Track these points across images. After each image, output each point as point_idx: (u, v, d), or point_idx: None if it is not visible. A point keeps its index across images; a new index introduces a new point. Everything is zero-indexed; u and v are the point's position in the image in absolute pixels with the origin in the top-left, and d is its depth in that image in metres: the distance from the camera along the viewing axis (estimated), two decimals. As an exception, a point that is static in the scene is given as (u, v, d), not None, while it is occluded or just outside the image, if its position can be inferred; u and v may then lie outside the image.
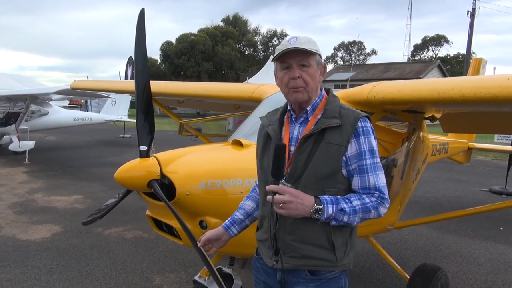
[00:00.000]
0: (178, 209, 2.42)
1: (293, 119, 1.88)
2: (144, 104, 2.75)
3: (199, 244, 2.07)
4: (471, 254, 5.27)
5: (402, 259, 4.78)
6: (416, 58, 58.58)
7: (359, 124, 1.74)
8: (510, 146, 8.71)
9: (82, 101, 35.31)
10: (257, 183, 2.11)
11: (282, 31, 51.31)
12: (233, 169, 2.78)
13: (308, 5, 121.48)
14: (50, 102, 13.72)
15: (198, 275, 3.36)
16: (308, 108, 1.83)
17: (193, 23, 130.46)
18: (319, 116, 1.79)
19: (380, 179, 1.75)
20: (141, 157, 2.63)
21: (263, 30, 52.78)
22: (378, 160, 1.78)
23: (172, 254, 4.98)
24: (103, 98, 16.39)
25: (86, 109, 30.85)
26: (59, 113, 14.38)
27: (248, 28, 50.79)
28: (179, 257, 4.88)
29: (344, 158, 1.73)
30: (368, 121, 1.78)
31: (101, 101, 21.92)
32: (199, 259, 4.95)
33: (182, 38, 43.12)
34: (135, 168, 2.58)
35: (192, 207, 2.61)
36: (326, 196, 1.69)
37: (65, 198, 7.57)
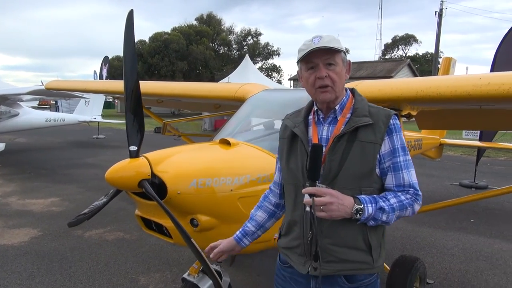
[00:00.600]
0: (169, 208, 2.46)
1: (321, 119, 1.84)
2: (133, 104, 2.77)
3: (211, 255, 2.06)
4: (445, 245, 5.51)
5: (381, 251, 4.95)
6: (387, 57, 59.97)
7: (391, 121, 1.73)
8: (478, 142, 9.10)
9: (52, 102, 34.33)
10: (271, 188, 2.10)
11: (256, 30, 51.43)
12: (223, 168, 2.84)
13: (280, 4, 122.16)
14: (20, 103, 13.30)
15: (187, 273, 3.39)
16: (336, 107, 1.79)
17: (167, 22, 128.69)
18: (348, 115, 1.77)
19: (413, 176, 1.75)
20: (131, 157, 2.64)
21: (237, 29, 52.63)
22: (409, 157, 1.78)
23: (156, 254, 4.98)
24: (76, 99, 16.02)
25: (56, 110, 30.02)
26: (30, 114, 13.95)
27: (222, 27, 50.61)
28: (163, 257, 4.88)
29: (378, 156, 1.71)
30: (398, 118, 1.77)
31: (73, 101, 21.40)
32: (183, 258, 4.98)
33: (156, 37, 42.55)
34: (125, 168, 2.59)
35: (183, 206, 2.64)
36: (364, 196, 1.67)
37: (41, 201, 7.39)
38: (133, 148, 2.65)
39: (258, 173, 2.90)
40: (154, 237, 5.24)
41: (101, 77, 23.33)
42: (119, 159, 2.64)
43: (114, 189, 2.79)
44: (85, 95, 13.79)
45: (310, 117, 1.88)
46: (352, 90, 1.88)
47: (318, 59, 1.72)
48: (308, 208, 1.66)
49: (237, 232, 2.09)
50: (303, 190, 1.64)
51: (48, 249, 5.08)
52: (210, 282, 3.29)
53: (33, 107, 17.94)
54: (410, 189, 1.73)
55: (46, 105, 31.84)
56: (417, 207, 1.75)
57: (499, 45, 8.01)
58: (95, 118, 17.18)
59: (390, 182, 1.74)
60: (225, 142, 3.10)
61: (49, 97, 16.37)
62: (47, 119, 14.77)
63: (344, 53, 1.79)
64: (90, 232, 5.71)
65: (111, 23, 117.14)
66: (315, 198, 1.59)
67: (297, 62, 1.82)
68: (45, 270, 4.47)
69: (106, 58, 24.53)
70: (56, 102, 32.42)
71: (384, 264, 3.96)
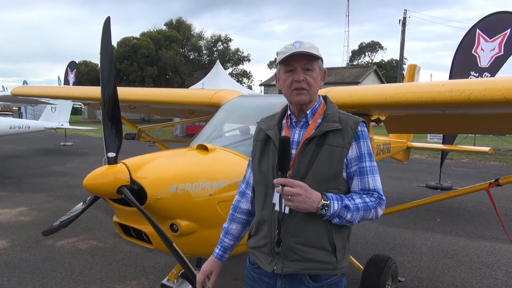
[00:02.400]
0: (149, 213, 2.48)
1: (293, 123, 1.92)
2: (111, 111, 2.78)
3: (210, 286, 2.06)
4: (414, 244, 5.75)
5: (354, 252, 5.10)
6: (354, 63, 61.52)
7: (359, 128, 1.82)
8: (442, 145, 9.51)
9: (14, 108, 33.08)
10: (243, 194, 2.11)
11: (226, 36, 51.50)
12: (201, 172, 2.89)
13: (250, 10, 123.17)
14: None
15: (166, 279, 3.40)
16: (308, 112, 1.88)
17: (135, 27, 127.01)
18: (319, 120, 1.86)
19: (377, 181, 1.83)
20: (109, 163, 2.65)
21: (207, 34, 52.58)
22: (375, 163, 1.86)
23: (131, 261, 4.92)
24: (41, 105, 15.53)
25: (20, 116, 28.93)
26: (-7, 121, 13.42)
27: (192, 32, 50.36)
28: (139, 264, 4.84)
29: (345, 160, 1.79)
30: (365, 126, 1.85)
31: (38, 107, 20.70)
32: (160, 265, 4.96)
33: (124, 42, 41.79)
34: (104, 175, 2.59)
35: (163, 211, 2.67)
36: (330, 194, 1.74)
37: (8, 211, 7.13)
38: (111, 154, 2.66)
39: (236, 177, 2.95)
40: (129, 244, 5.23)
41: (66, 83, 22.66)
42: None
43: (92, 196, 2.78)
44: (52, 101, 13.39)
45: (284, 121, 1.96)
46: (325, 97, 1.98)
47: (297, 63, 1.81)
48: (277, 207, 1.76)
49: (216, 250, 2.11)
50: (275, 180, 1.71)
51: (19, 260, 4.93)
52: (190, 286, 3.32)
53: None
54: (374, 192, 1.81)
55: (8, 111, 30.67)
56: (380, 211, 1.82)
57: (455, 53, 8.46)
58: (62, 125, 16.68)
59: (356, 185, 1.82)
60: (203, 148, 3.15)
61: (13, 103, 15.74)
62: (11, 126, 14.20)
63: (321, 61, 1.88)
64: (62, 242, 5.57)
65: (76, 27, 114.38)
66: (285, 188, 1.66)
67: (277, 64, 1.90)
68: (16, 282, 4.34)
69: (72, 63, 23.83)
70: (20, 109, 31.25)
71: (358, 263, 4.13)
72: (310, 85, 1.83)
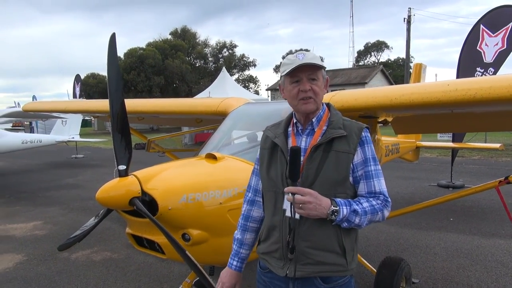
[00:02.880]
0: (161, 224, 2.52)
1: (299, 131, 1.97)
2: (120, 123, 2.84)
3: None
4: (427, 245, 5.70)
5: (367, 255, 5.08)
6: (360, 63, 61.32)
7: (363, 134, 1.89)
8: (452, 143, 9.44)
9: (26, 123, 33.57)
10: (253, 202, 2.14)
11: (231, 42, 51.86)
12: (211, 181, 2.92)
13: (254, 16, 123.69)
14: (-5, 126, 13.02)
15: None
16: (313, 120, 1.93)
17: (141, 37, 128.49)
18: (324, 128, 1.91)
19: (382, 184, 1.90)
20: (120, 176, 2.70)
21: (213, 42, 52.85)
22: (379, 167, 1.93)
23: (145, 271, 4.97)
24: (52, 119, 15.77)
25: (31, 131, 29.36)
26: (6, 137, 13.63)
27: (197, 40, 50.77)
28: (153, 274, 4.88)
29: (351, 165, 1.85)
30: (369, 131, 1.92)
31: (49, 121, 21.00)
32: (174, 274, 5.00)
33: (131, 53, 42.31)
34: (115, 188, 2.63)
35: (175, 221, 2.70)
36: (339, 199, 1.80)
37: (23, 225, 7.25)
38: (122, 167, 2.71)
39: (245, 185, 2.93)
40: (142, 255, 5.27)
41: (74, 96, 23.00)
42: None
43: (104, 209, 2.83)
44: (62, 114, 13.59)
45: (290, 129, 2.00)
46: (328, 105, 2.04)
47: (303, 74, 1.87)
48: (288, 213, 1.82)
49: (234, 263, 2.14)
50: (286, 189, 1.78)
51: (35, 274, 5.01)
52: (204, 295, 3.34)
53: (7, 129, 17.53)
54: (380, 195, 1.88)
55: (20, 126, 31.13)
56: (386, 213, 1.89)
57: (461, 50, 8.42)
58: (73, 138, 16.90)
59: (362, 189, 1.88)
60: (211, 157, 3.18)
61: (25, 118, 16.00)
62: (23, 141, 14.45)
63: (324, 69, 1.95)
64: (77, 254, 5.65)
65: (83, 40, 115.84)
66: (296, 196, 1.72)
67: (281, 75, 1.96)
68: (33, 295, 4.41)
69: (77, 76, 24.28)
70: (31, 123, 31.72)
71: (371, 266, 4.12)
72: (317, 94, 1.89)
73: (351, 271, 1.89)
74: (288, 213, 1.82)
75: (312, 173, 1.82)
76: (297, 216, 1.80)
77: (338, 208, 1.76)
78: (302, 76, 1.87)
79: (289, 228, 1.83)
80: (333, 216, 1.75)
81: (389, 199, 1.90)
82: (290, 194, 1.74)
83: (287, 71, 1.88)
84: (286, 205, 1.84)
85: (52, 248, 5.84)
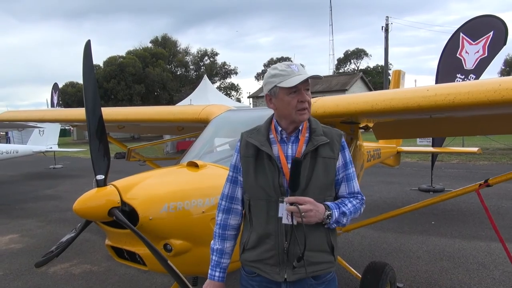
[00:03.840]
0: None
1: (284, 139, 1.99)
2: (97, 132, 2.77)
3: None
4: (410, 249, 5.75)
5: (351, 260, 5.09)
6: (340, 71, 62.20)
7: (342, 139, 2.03)
8: (431, 148, 9.59)
9: (1, 133, 32.71)
10: (229, 210, 2.11)
11: (212, 50, 51.90)
12: (193, 190, 2.87)
13: (234, 24, 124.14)
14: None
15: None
16: (300, 127, 1.98)
17: (121, 45, 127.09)
18: (307, 135, 1.98)
19: (357, 184, 2.08)
20: (98, 186, 2.62)
21: (193, 50, 52.86)
22: (354, 169, 2.08)
23: (127, 284, 4.84)
24: (29, 129, 15.38)
25: (7, 141, 28.59)
26: (-20, 148, 13.23)
27: (178, 48, 50.63)
28: (134, 286, 4.75)
29: (335, 169, 1.98)
30: (344, 137, 2.07)
31: (25, 131, 20.49)
32: (156, 286, 4.88)
33: (110, 61, 41.84)
34: (94, 198, 2.56)
35: (156, 231, 2.64)
36: (329, 203, 1.93)
37: (-2, 239, 7.00)
38: (100, 177, 2.64)
39: (228, 193, 2.94)
40: (123, 266, 5.13)
41: (52, 105, 22.54)
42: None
43: (82, 222, 2.74)
44: (40, 124, 13.26)
45: (272, 136, 2.00)
46: None
47: (302, 85, 1.92)
48: (285, 221, 1.84)
49: (216, 274, 2.10)
50: (286, 199, 1.84)
51: (10, 290, 4.82)
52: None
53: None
54: (358, 195, 2.05)
55: (-4, 137, 30.29)
56: (362, 209, 2.08)
57: (440, 57, 8.61)
58: (51, 148, 16.52)
59: (343, 190, 2.04)
60: (193, 165, 3.13)
61: (0, 128, 15.56)
62: (-1, 152, 14.05)
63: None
64: (55, 268, 5.46)
65: (62, 48, 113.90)
66: (300, 206, 1.80)
67: (275, 85, 1.92)
68: (8, 312, 4.24)
69: (55, 85, 23.83)
70: (7, 133, 30.88)
71: (356, 272, 4.11)
72: (310, 104, 1.98)
73: (336, 266, 2.04)
74: (285, 221, 1.85)
75: (304, 180, 1.88)
76: (294, 222, 1.84)
77: (331, 212, 1.89)
78: (301, 87, 1.91)
79: (285, 234, 1.87)
80: (328, 220, 1.88)
81: (364, 197, 2.08)
82: (287, 204, 1.82)
83: (295, 83, 1.87)
84: (282, 213, 1.86)
85: (29, 262, 5.64)
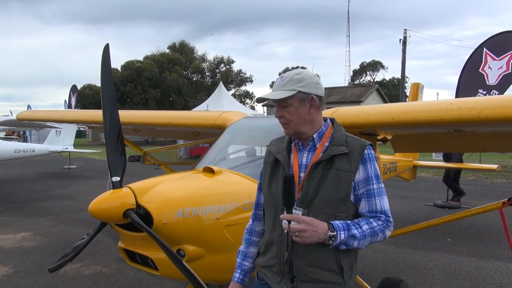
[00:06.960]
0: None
1: (301, 147, 1.94)
2: (114, 134, 2.78)
3: None
4: (425, 266, 5.60)
5: (364, 274, 4.97)
6: (356, 82, 61.86)
7: (366, 151, 1.84)
8: (450, 163, 9.41)
9: (21, 132, 33.32)
10: (256, 215, 2.12)
11: (229, 58, 52.15)
12: (208, 196, 2.84)
13: (251, 33, 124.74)
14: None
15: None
16: (314, 136, 1.90)
17: (139, 50, 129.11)
18: (326, 144, 1.87)
19: (385, 203, 1.85)
20: (114, 188, 2.62)
21: (210, 57, 53.10)
22: (383, 185, 1.87)
23: (136, 286, 4.82)
24: (46, 128, 15.62)
25: (25, 140, 29.12)
26: (-2, 145, 13.46)
27: (195, 55, 51.05)
28: (144, 290, 4.73)
29: (352, 183, 1.81)
30: (372, 148, 1.88)
31: (43, 131, 20.82)
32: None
33: (128, 65, 42.37)
34: (109, 200, 2.55)
35: (170, 236, 2.61)
36: (337, 222, 1.75)
37: (12, 237, 7.05)
38: (115, 178, 2.65)
39: (243, 200, 2.91)
40: (133, 269, 5.12)
41: (69, 106, 22.93)
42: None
43: (97, 226, 2.72)
44: (57, 124, 13.46)
45: (293, 144, 1.97)
46: (332, 120, 1.99)
47: (275, 102, 1.89)
48: (286, 231, 1.76)
49: (236, 275, 2.09)
50: (281, 216, 1.74)
51: (21, 287, 4.83)
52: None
53: (0, 138, 17.34)
54: (382, 215, 1.83)
55: (11, 135, 30.87)
56: (388, 233, 1.85)
57: (461, 71, 8.50)
58: (67, 148, 16.71)
59: (363, 208, 1.84)
60: (209, 170, 3.11)
61: (19, 127, 15.83)
62: (16, 150, 14.24)
63: (300, 92, 1.84)
64: (66, 267, 5.43)
65: (81, 51, 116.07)
66: (290, 225, 1.69)
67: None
68: (18, 310, 4.24)
69: (74, 86, 24.27)
70: (24, 133, 31.50)
71: (369, 286, 4.01)
72: (289, 120, 1.87)
73: None
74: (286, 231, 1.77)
75: (312, 190, 1.80)
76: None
77: (335, 233, 1.71)
78: (275, 103, 1.89)
79: (287, 245, 1.80)
80: (330, 241, 1.72)
81: (391, 219, 1.85)
82: (285, 222, 1.71)
83: (261, 100, 1.98)
84: (285, 222, 1.78)
85: (40, 261, 5.68)
